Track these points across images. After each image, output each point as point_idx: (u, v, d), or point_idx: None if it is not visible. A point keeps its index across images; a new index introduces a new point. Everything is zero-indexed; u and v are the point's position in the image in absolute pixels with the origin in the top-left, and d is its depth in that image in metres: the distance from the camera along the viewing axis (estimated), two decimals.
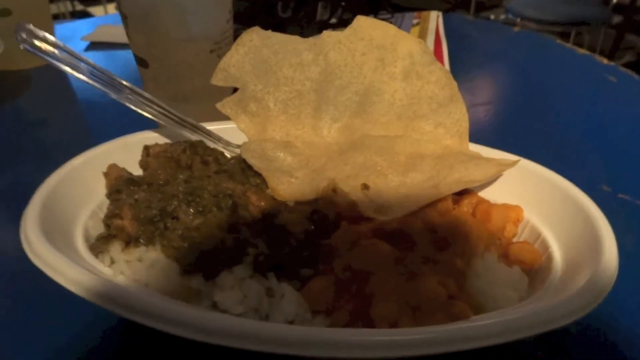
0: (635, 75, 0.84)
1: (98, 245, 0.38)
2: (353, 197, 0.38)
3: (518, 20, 2.96)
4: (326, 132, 0.50)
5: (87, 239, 0.41)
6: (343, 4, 1.03)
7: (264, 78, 0.51)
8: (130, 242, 0.38)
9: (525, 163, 0.44)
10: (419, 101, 0.49)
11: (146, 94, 0.46)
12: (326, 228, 0.38)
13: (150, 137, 0.49)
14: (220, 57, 0.64)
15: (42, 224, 0.37)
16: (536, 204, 0.43)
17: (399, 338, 0.29)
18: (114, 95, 0.45)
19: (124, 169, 0.46)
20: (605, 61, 0.89)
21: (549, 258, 0.39)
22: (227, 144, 0.49)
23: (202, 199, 0.39)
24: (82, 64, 0.44)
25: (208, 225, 0.38)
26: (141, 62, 0.63)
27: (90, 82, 0.45)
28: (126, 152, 0.48)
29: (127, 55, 0.90)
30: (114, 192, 0.43)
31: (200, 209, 0.38)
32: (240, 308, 0.34)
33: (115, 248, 0.38)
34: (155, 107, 0.46)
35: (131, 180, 0.43)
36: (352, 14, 1.07)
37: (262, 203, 0.39)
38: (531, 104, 0.77)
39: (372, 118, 0.49)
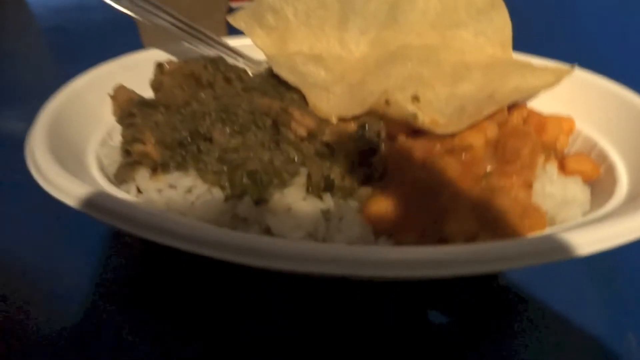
0: None
1: (121, 173, 0.34)
2: (407, 110, 0.35)
3: None
4: (354, 45, 0.45)
5: (101, 169, 0.36)
6: None
7: None
8: (157, 168, 0.34)
9: (573, 70, 0.41)
10: (456, 8, 0.45)
11: (154, 1, 0.40)
12: (379, 143, 0.35)
13: (159, 55, 0.44)
14: None
15: (52, 153, 0.32)
16: (587, 113, 0.40)
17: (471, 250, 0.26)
18: (116, 5, 0.39)
19: (132, 91, 0.40)
20: None
21: (610, 169, 0.37)
22: (249, 60, 0.44)
23: (238, 116, 0.34)
24: None
25: (249, 146, 0.33)
26: None
27: None
28: (131, 71, 0.42)
29: None
30: (126, 116, 0.38)
31: (237, 128, 0.34)
32: (299, 232, 0.31)
33: (142, 175, 0.34)
34: (167, 17, 0.40)
35: (145, 102, 0.38)
36: None
37: (307, 120, 0.35)
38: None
39: (404, 29, 0.45)
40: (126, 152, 0.35)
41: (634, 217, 0.28)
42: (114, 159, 0.37)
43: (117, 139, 0.39)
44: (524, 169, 0.34)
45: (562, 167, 0.38)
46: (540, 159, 0.36)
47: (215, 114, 0.34)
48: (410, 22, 0.45)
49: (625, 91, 0.39)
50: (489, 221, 0.30)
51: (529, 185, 0.33)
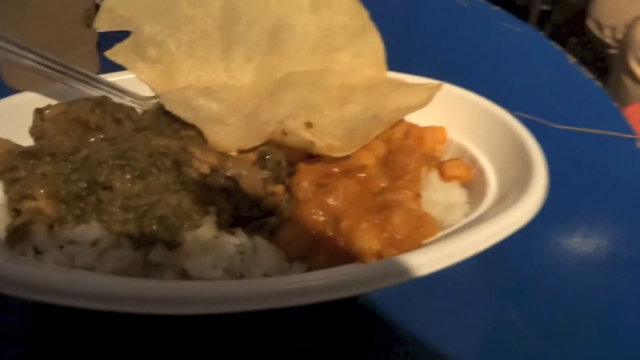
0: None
1: (13, 235, 0.32)
2: (304, 136, 0.37)
3: None
4: (240, 73, 0.46)
5: None
6: None
7: (160, 18, 0.45)
8: (53, 225, 0.32)
9: (442, 85, 0.46)
10: (332, 33, 0.48)
11: (17, 40, 0.37)
12: (284, 173, 0.36)
13: (33, 99, 0.41)
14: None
15: None
16: (456, 122, 0.46)
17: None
18: None
19: (9, 141, 0.37)
20: None
21: (481, 171, 0.42)
22: (135, 96, 0.43)
23: (137, 161, 0.34)
24: None
25: (153, 190, 0.33)
26: None
27: None
28: (4, 120, 0.39)
29: None
30: (8, 170, 0.35)
31: (138, 172, 0.34)
32: (216, 271, 0.31)
33: (39, 234, 0.32)
34: (36, 57, 0.38)
35: (27, 152, 0.36)
36: None
37: (208, 156, 0.35)
38: (390, 31, 0.79)
39: (288, 54, 0.47)
40: (15, 210, 0.33)
41: (509, 213, 0.34)
42: (0, 217, 0.34)
43: None
44: (413, 181, 0.38)
45: (442, 174, 0.42)
46: (424, 169, 0.40)
47: (113, 160, 0.33)
48: (292, 48, 0.47)
49: (484, 100, 0.46)
50: (391, 236, 0.33)
51: (418, 196, 0.37)
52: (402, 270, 0.30)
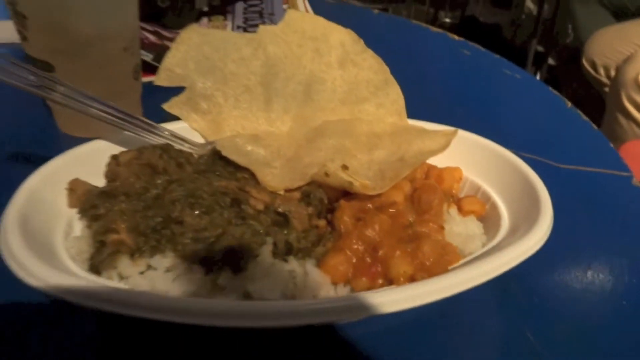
0: (481, 48, 1.01)
1: (100, 263, 0.37)
2: (343, 177, 0.43)
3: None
4: (280, 123, 0.53)
5: (72, 259, 0.39)
6: None
7: (210, 75, 0.52)
8: (134, 254, 0.38)
9: (458, 131, 0.53)
10: (358, 86, 0.55)
11: (86, 92, 0.44)
12: (325, 209, 0.42)
13: (103, 146, 0.47)
14: (134, 55, 0.62)
15: (30, 250, 0.35)
16: (470, 163, 0.52)
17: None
18: (47, 96, 0.43)
19: (88, 183, 0.44)
20: (456, 37, 1.05)
21: (494, 206, 0.48)
22: (192, 143, 0.49)
23: (203, 199, 0.40)
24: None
25: (217, 224, 0.39)
26: (44, 66, 0.57)
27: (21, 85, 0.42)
28: (80, 164, 0.45)
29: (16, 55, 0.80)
30: (89, 208, 0.41)
31: (204, 209, 0.39)
32: (275, 293, 0.37)
33: (124, 263, 0.37)
34: (101, 106, 0.44)
35: (104, 192, 0.42)
36: (222, 2, 1.08)
37: (262, 195, 0.41)
38: (404, 81, 0.87)
39: (320, 105, 0.54)
40: (100, 242, 0.38)
41: (522, 242, 0.39)
42: (81, 249, 0.40)
43: (77, 230, 0.42)
44: (437, 215, 0.44)
45: (459, 209, 0.48)
46: (445, 205, 0.46)
47: (183, 199, 0.39)
48: (324, 100, 0.54)
49: (494, 144, 0.52)
50: (421, 262, 0.39)
51: (442, 228, 0.43)
52: (432, 291, 0.36)
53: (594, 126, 0.76)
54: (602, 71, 2.34)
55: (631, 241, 0.55)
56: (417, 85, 0.83)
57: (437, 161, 0.52)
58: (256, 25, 1.01)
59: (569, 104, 0.81)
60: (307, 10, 1.11)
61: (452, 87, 0.87)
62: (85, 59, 0.57)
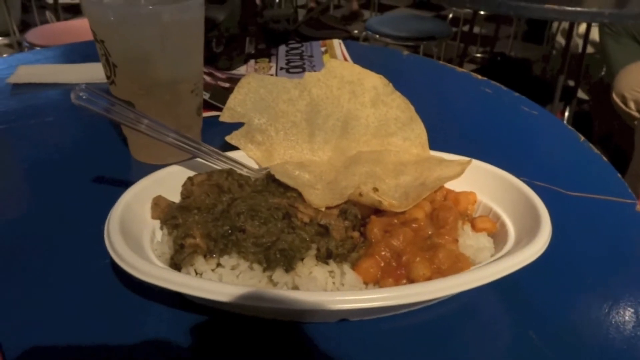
0: (503, 87, 1.10)
1: (181, 261, 0.47)
2: (374, 197, 0.52)
3: (376, 36, 3.33)
4: (321, 152, 0.63)
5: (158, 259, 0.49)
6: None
7: (264, 113, 0.63)
8: (206, 255, 0.48)
9: (472, 161, 0.61)
10: (387, 122, 0.64)
11: (163, 124, 0.55)
12: (359, 222, 0.52)
13: (178, 170, 0.58)
14: (198, 95, 0.74)
15: (132, 255, 0.45)
16: (483, 188, 0.60)
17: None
18: (136, 128, 0.54)
19: (167, 199, 0.54)
20: (479, 77, 1.15)
21: (503, 225, 0.56)
22: (249, 168, 0.59)
23: (261, 213, 0.50)
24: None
25: (272, 233, 0.49)
26: (127, 104, 0.69)
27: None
28: (158, 185, 0.56)
29: (55, 94, 0.95)
30: (170, 219, 0.51)
31: (262, 220, 0.49)
32: (317, 289, 0.46)
33: (199, 261, 0.47)
34: (177, 136, 0.55)
35: (182, 207, 0.52)
36: (267, 45, 1.21)
37: (308, 210, 0.51)
38: (430, 116, 0.96)
39: (355, 138, 0.64)
40: (180, 245, 0.48)
41: (524, 251, 0.47)
42: (162, 251, 0.50)
43: (159, 236, 0.53)
44: (451, 230, 0.52)
45: (473, 227, 0.57)
46: (460, 222, 0.55)
47: (246, 212, 0.49)
48: (358, 134, 0.64)
49: (505, 172, 0.60)
50: (438, 267, 0.48)
51: (456, 241, 0.52)
52: (445, 287, 0.44)
53: (604, 158, 0.83)
54: (632, 105, 2.37)
55: (630, 262, 0.62)
56: (441, 120, 0.93)
57: (455, 186, 0.61)
58: (297, 67, 1.14)
59: (582, 138, 0.88)
60: (342, 52, 1.22)
61: (473, 122, 0.96)
62: (160, 99, 0.69)
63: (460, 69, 1.21)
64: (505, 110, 1.01)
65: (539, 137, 0.92)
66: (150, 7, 0.64)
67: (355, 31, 4.36)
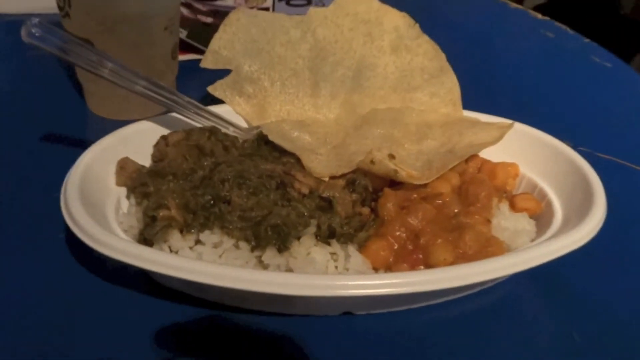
0: (569, 30, 1.13)
1: (153, 236, 0.53)
2: (390, 166, 0.57)
3: None
4: (326, 109, 0.68)
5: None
6: None
7: (257, 58, 0.67)
8: (182, 230, 0.53)
9: (514, 124, 0.66)
10: (411, 73, 0.69)
11: (132, 69, 0.60)
12: (369, 196, 0.57)
13: (150, 127, 0.63)
14: (173, 33, 0.79)
15: (94, 225, 0.51)
16: (529, 160, 0.65)
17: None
18: (99, 74, 0.59)
19: (136, 162, 0.60)
20: (539, 16, 1.18)
21: (549, 204, 0.61)
22: (237, 127, 0.64)
23: (250, 181, 0.55)
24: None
25: (263, 205, 0.54)
26: (85, 43, 0.74)
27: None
28: (126, 144, 0.61)
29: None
30: (139, 186, 0.57)
31: (251, 190, 0.54)
32: (316, 273, 0.51)
33: (174, 237, 0.53)
34: (147, 84, 0.60)
35: (153, 171, 0.58)
36: None
37: (307, 179, 0.56)
38: (475, 62, 1.01)
39: (370, 92, 0.68)
40: (152, 217, 0.54)
41: (567, 236, 0.52)
42: (130, 224, 0.56)
43: (125, 206, 0.58)
44: (483, 209, 0.57)
45: (512, 206, 0.62)
46: (495, 199, 0.60)
47: (232, 179, 0.54)
48: (374, 87, 0.69)
49: (556, 140, 0.65)
50: (463, 252, 0.53)
51: (488, 221, 0.57)
52: (476, 272, 0.49)
53: None
54: None
55: None
56: (483, 71, 0.97)
57: (494, 155, 0.65)
58: None
59: None
60: None
61: (525, 75, 1.00)
62: (126, 37, 0.74)
63: (513, 5, 1.24)
64: (569, 61, 1.05)
65: (609, 97, 0.96)
66: None
67: None
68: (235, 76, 0.67)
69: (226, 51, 0.67)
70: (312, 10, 0.69)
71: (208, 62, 0.67)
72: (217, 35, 0.67)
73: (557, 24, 1.16)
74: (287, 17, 0.69)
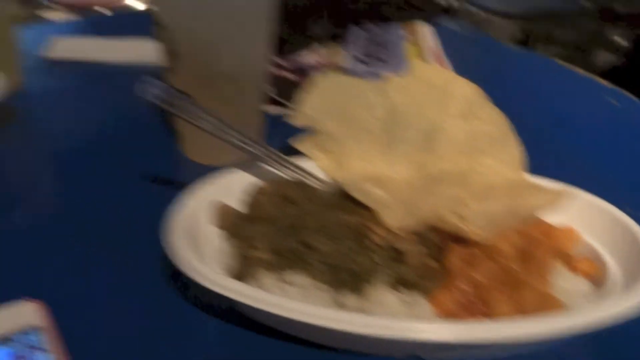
0: (636, 99, 1.17)
1: (244, 273, 0.60)
2: (456, 224, 0.63)
3: (476, 10, 3.38)
4: (398, 167, 0.74)
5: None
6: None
7: (338, 118, 0.75)
8: (271, 269, 0.60)
9: (572, 190, 0.71)
10: (477, 138, 0.75)
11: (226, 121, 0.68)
12: (438, 250, 0.63)
13: (240, 175, 0.71)
14: (262, 89, 0.87)
15: (199, 263, 0.58)
16: (586, 224, 0.70)
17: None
18: (198, 125, 0.67)
19: (232, 207, 0.67)
20: (605, 83, 1.22)
21: (605, 267, 0.66)
22: (317, 179, 0.72)
23: (332, 230, 0.61)
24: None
25: (341, 252, 0.60)
26: (186, 96, 0.83)
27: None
28: (220, 188, 0.69)
29: (96, 73, 1.11)
30: (234, 228, 0.64)
31: (332, 238, 0.61)
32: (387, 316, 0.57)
33: (262, 274, 0.60)
34: (239, 136, 0.68)
35: (247, 216, 0.65)
36: (337, 27, 1.33)
37: (381, 231, 0.62)
38: (540, 127, 1.05)
39: (438, 154, 0.74)
40: (244, 257, 0.61)
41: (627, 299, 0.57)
42: (224, 261, 0.63)
43: (218, 246, 0.65)
44: (542, 268, 0.62)
45: (570, 267, 0.66)
46: (553, 260, 0.64)
47: (317, 228, 0.61)
48: (442, 149, 0.75)
49: (613, 208, 0.69)
50: (522, 308, 0.58)
51: (546, 280, 0.61)
52: (528, 329, 0.54)
53: None
54: None
55: None
56: (547, 136, 1.02)
57: (554, 218, 0.70)
58: (372, 56, 1.26)
59: None
60: (431, 42, 1.33)
61: (589, 141, 1.04)
62: (221, 92, 0.83)
63: (582, 73, 1.28)
64: (633, 130, 1.08)
65: None
66: None
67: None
68: (317, 133, 0.74)
69: (311, 111, 0.75)
70: (389, 77, 0.76)
71: (296, 120, 0.74)
72: (304, 97, 0.75)
73: (624, 92, 1.19)
74: (366, 83, 0.76)
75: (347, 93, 0.75)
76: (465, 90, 0.76)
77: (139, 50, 1.15)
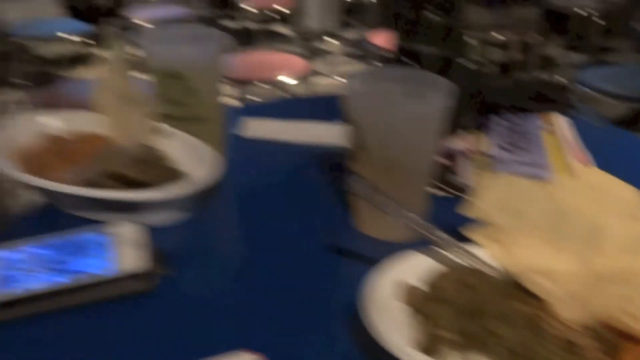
0: None
1: (434, 352, 0.68)
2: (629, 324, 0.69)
3: (595, 94, 3.39)
4: (564, 261, 0.81)
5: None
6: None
7: (507, 213, 0.83)
8: (455, 349, 0.68)
9: None
10: (635, 238, 0.81)
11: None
12: (613, 347, 0.69)
13: (417, 257, 0.80)
14: (429, 176, 0.97)
15: (386, 335, 0.67)
16: None
17: None
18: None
19: (420, 288, 0.76)
20: None
21: None
22: (488, 265, 0.80)
23: (509, 317, 0.69)
24: None
25: (519, 340, 0.68)
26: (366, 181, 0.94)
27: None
28: (402, 267, 0.79)
29: (283, 151, 1.24)
30: (420, 308, 0.73)
31: (510, 326, 0.69)
32: None
33: (447, 352, 0.68)
34: (412, 217, 0.78)
35: (432, 298, 0.74)
36: (477, 114, 1.42)
37: (556, 323, 0.69)
38: None
39: (601, 251, 0.81)
40: (431, 335, 0.69)
41: None
42: (411, 337, 0.72)
43: (404, 320, 0.74)
44: None
45: None
46: None
47: (495, 314, 0.69)
48: (604, 247, 0.81)
49: None
50: None
51: None
52: None
53: None
54: None
55: None
56: None
57: None
58: (514, 145, 1.33)
59: None
60: (567, 133, 1.39)
61: None
62: (396, 178, 0.93)
63: None
64: None
65: None
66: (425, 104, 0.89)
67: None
68: (489, 225, 0.83)
69: (484, 205, 0.83)
70: (554, 178, 0.84)
71: (470, 211, 0.83)
72: (479, 194, 0.84)
73: None
74: (532, 183, 0.85)
75: (516, 191, 0.84)
76: (623, 193, 0.83)
77: (320, 132, 1.29)
